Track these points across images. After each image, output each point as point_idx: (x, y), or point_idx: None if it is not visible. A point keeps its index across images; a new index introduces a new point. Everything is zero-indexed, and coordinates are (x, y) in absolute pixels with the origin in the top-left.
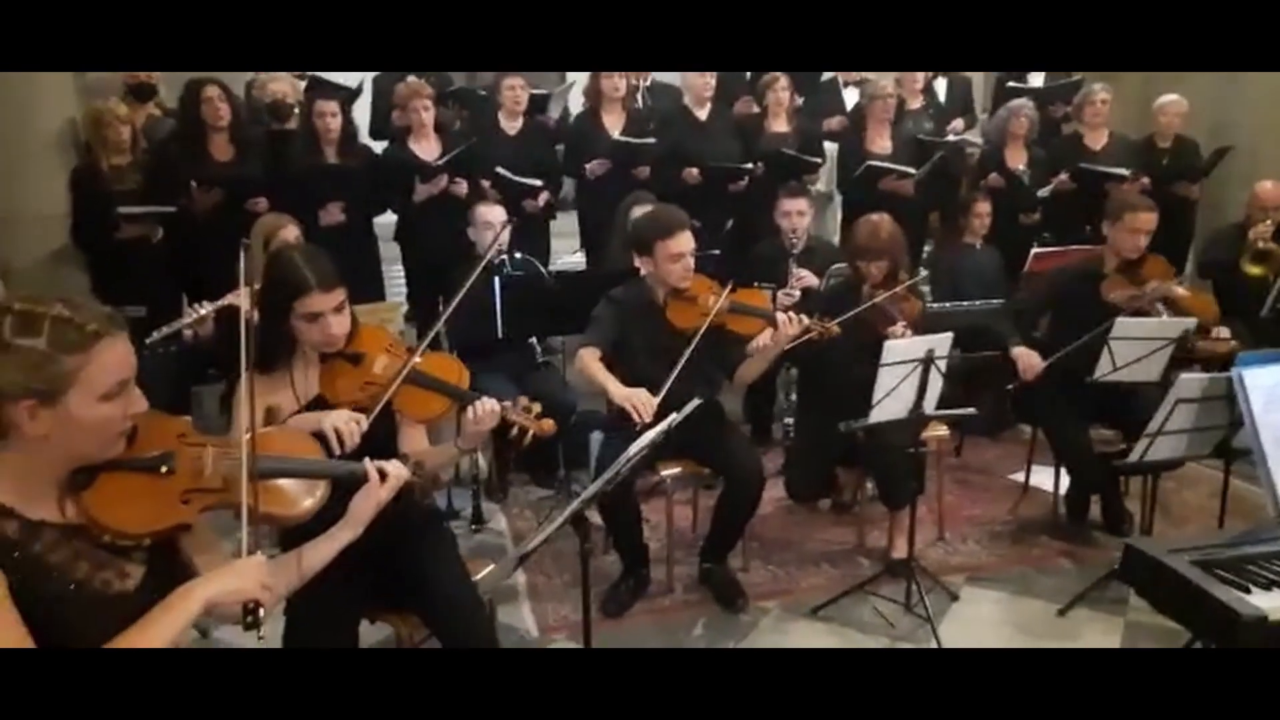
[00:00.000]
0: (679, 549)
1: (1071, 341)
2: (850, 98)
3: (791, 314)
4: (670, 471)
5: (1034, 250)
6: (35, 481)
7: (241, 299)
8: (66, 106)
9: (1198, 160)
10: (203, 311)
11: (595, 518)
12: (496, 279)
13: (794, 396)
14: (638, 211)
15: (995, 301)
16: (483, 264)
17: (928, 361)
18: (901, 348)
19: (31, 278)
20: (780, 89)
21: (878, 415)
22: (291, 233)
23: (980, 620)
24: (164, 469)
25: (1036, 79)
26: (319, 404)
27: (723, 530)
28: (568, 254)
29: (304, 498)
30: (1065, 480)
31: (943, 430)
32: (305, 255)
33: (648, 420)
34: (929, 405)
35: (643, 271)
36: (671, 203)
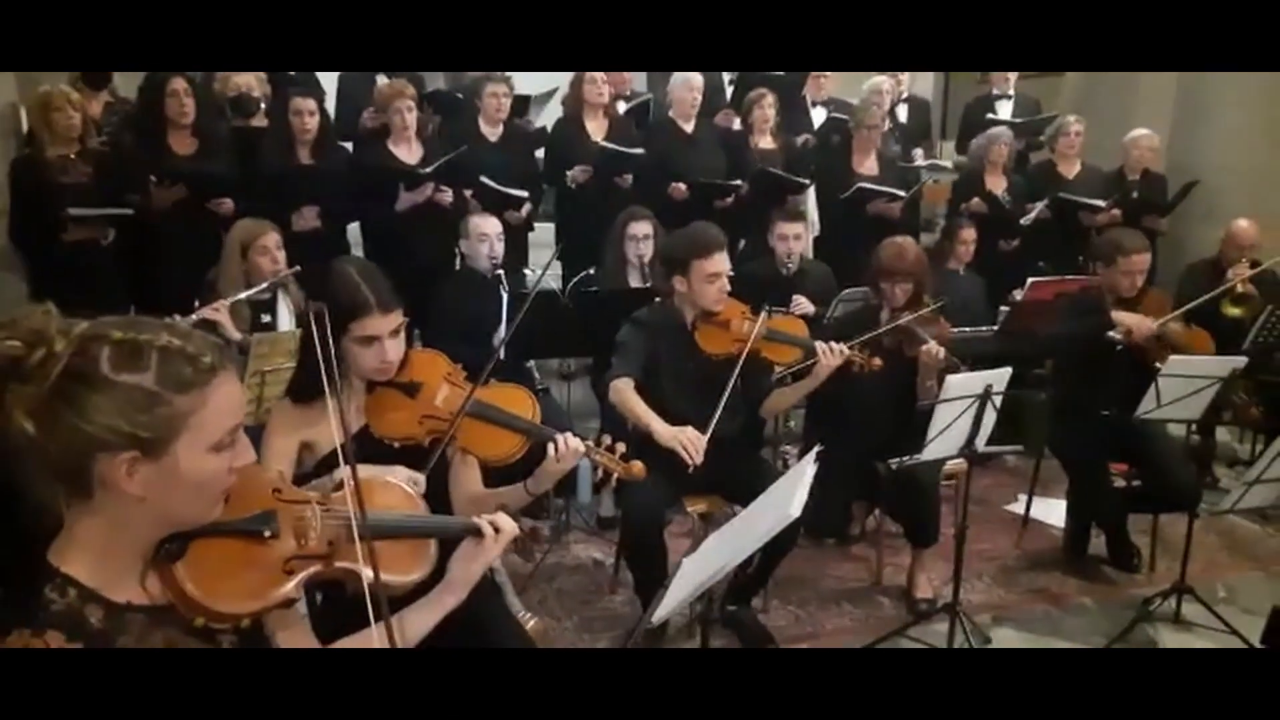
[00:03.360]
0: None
1: (1077, 376)
2: (817, 117)
3: (832, 344)
4: (697, 509)
5: (1031, 280)
6: (119, 554)
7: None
8: (5, 90)
9: (1164, 195)
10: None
11: (597, 553)
12: (504, 295)
13: (791, 423)
14: (635, 228)
15: (984, 329)
16: (533, 291)
17: (985, 397)
18: (960, 383)
19: None
20: (767, 105)
21: (931, 452)
22: (273, 239)
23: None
24: (266, 533)
25: (1005, 110)
26: (366, 439)
27: (752, 572)
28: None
29: (416, 562)
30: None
31: (962, 463)
32: (363, 271)
33: (698, 462)
34: (981, 442)
35: (676, 290)
36: (657, 217)
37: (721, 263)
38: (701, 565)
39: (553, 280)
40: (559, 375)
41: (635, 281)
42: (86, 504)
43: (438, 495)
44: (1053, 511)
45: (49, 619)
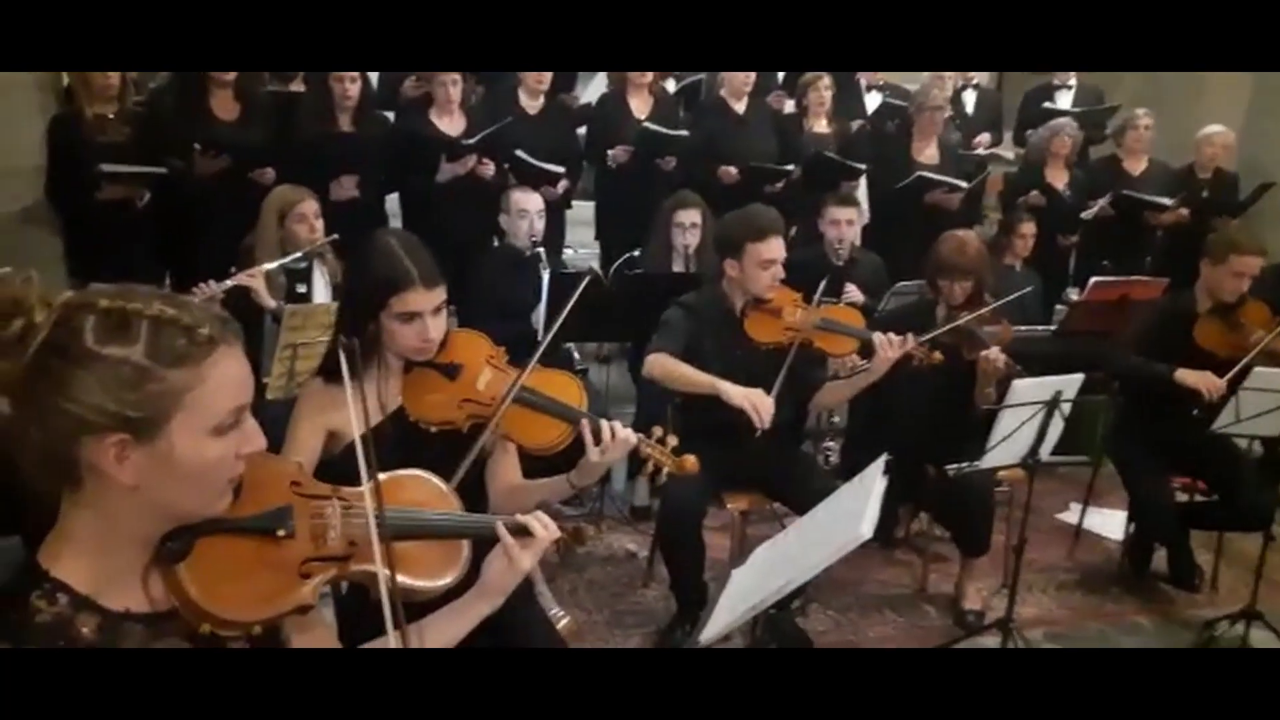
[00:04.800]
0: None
1: (1145, 384)
2: (871, 102)
3: (891, 335)
4: (738, 506)
5: (1094, 280)
6: (116, 552)
7: (354, 419)
8: None
9: (1236, 194)
10: (211, 291)
11: (630, 544)
12: (545, 275)
13: (835, 418)
14: (683, 215)
15: (1039, 329)
16: (583, 284)
17: (1053, 404)
18: (1028, 388)
19: None
20: (823, 88)
21: (993, 460)
22: (311, 207)
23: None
24: (281, 532)
25: (1065, 100)
26: (401, 422)
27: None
28: (581, 246)
29: (445, 566)
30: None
31: (1019, 470)
32: (405, 244)
33: (766, 426)
34: (1045, 451)
35: (726, 274)
36: (704, 200)
37: (777, 248)
38: (755, 582)
39: (592, 261)
40: (596, 358)
41: (679, 269)
42: (77, 495)
43: (473, 485)
44: (1109, 523)
45: (35, 633)
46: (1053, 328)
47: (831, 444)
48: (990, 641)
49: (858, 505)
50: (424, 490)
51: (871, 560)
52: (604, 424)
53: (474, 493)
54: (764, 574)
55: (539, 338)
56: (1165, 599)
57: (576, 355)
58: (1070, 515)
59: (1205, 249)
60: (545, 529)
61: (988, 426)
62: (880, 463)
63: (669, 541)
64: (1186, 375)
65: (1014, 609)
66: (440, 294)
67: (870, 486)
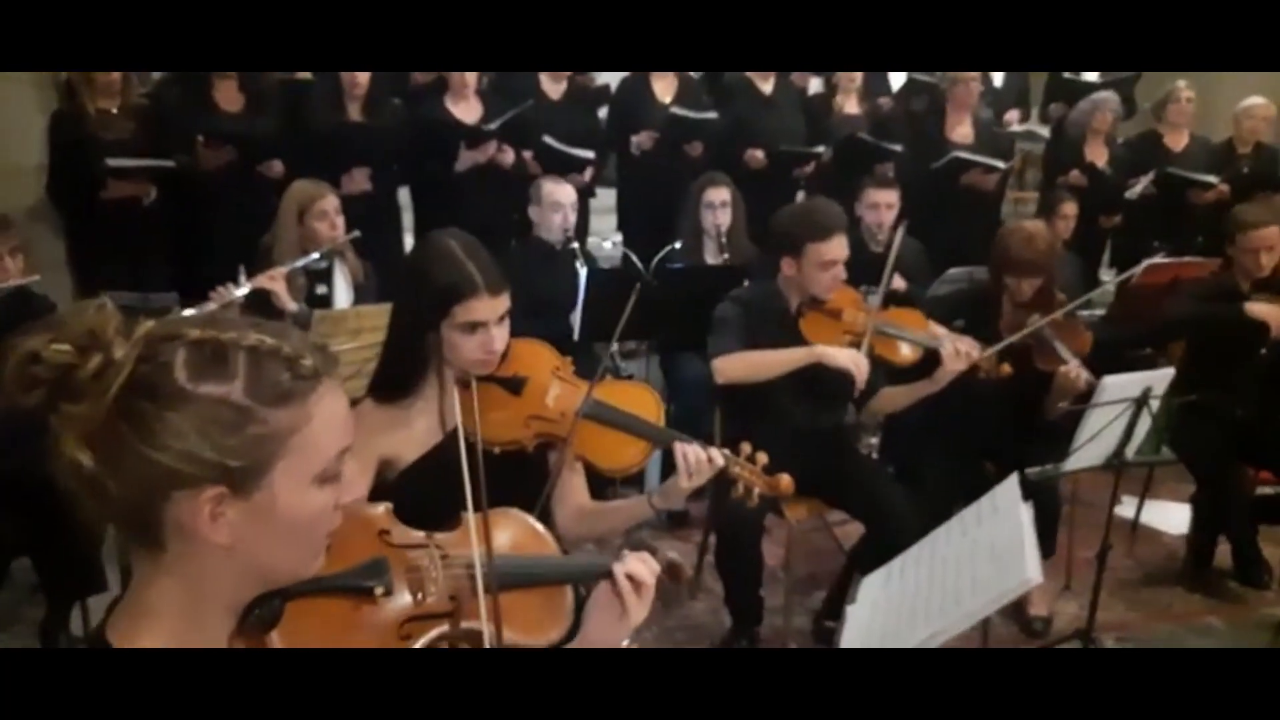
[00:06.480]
0: (774, 591)
1: (1208, 370)
2: (896, 79)
3: (959, 346)
4: (796, 515)
5: (1147, 262)
6: (201, 627)
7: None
8: None
9: (1276, 169)
10: (229, 295)
11: (672, 552)
12: (583, 271)
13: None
14: (712, 194)
15: (1085, 314)
16: (634, 296)
17: (1143, 401)
18: (1117, 385)
19: None
20: None
21: (1077, 462)
22: (331, 203)
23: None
24: (378, 589)
25: (1093, 73)
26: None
27: (852, 585)
28: (603, 237)
29: (553, 618)
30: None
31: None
32: (467, 247)
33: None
34: (1131, 452)
35: (783, 272)
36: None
37: (841, 248)
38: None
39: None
40: (620, 354)
41: (711, 254)
42: (159, 560)
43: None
44: (1169, 517)
45: None
46: (1098, 312)
47: (872, 440)
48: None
49: (1007, 539)
50: (522, 530)
51: None
52: (691, 446)
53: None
54: (894, 617)
55: (573, 338)
56: (1234, 597)
57: (620, 361)
58: (1125, 509)
59: (1225, 232)
60: (651, 570)
61: (1058, 425)
62: (1014, 486)
63: (727, 555)
64: (1256, 307)
65: (1095, 618)
66: (505, 301)
67: (1018, 516)
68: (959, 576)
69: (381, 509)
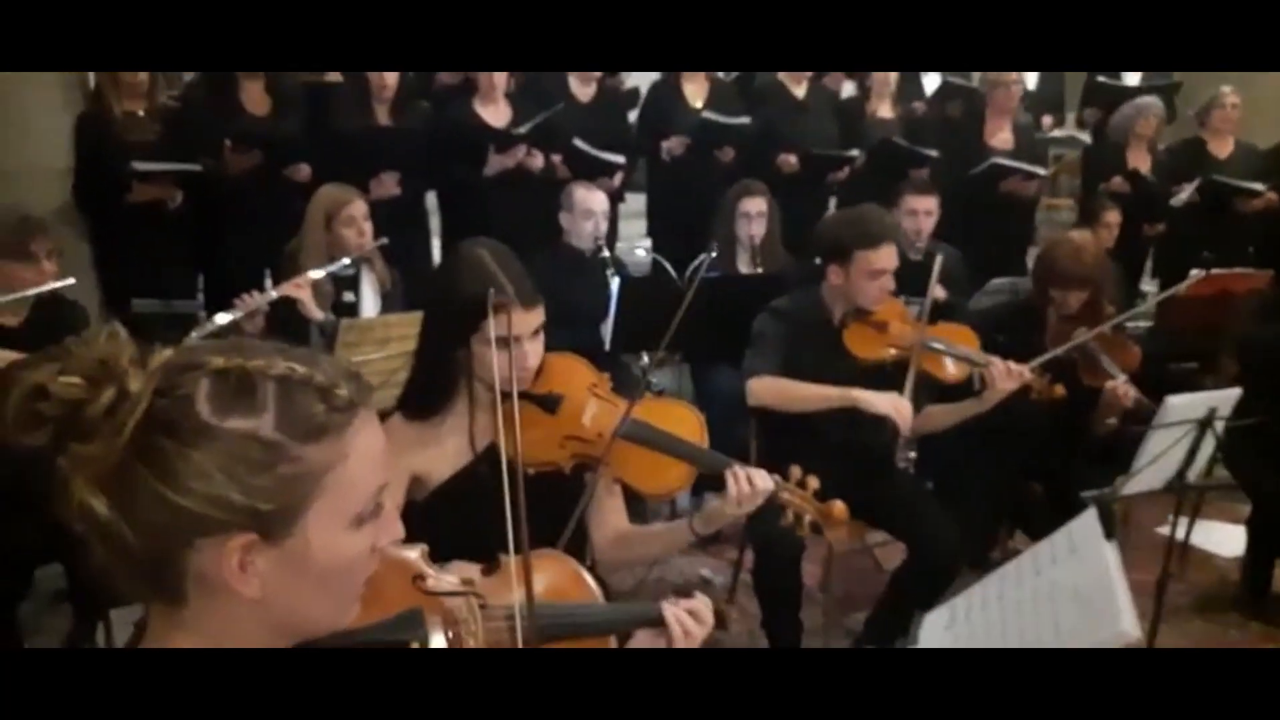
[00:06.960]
0: (810, 612)
1: (1267, 388)
2: (929, 84)
3: (1011, 364)
4: (837, 536)
5: (1194, 272)
6: None
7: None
8: None
9: None
10: (255, 302)
11: (704, 569)
12: (615, 280)
13: None
14: (748, 204)
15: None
16: (683, 309)
17: (1207, 423)
18: (1181, 406)
19: None
20: None
21: (1136, 486)
22: (360, 209)
23: None
24: (415, 645)
25: (1132, 77)
26: (490, 464)
27: (898, 610)
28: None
29: None
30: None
31: None
32: (499, 257)
33: (907, 434)
34: (1193, 474)
35: (829, 281)
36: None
37: (890, 257)
38: None
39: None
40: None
41: (744, 263)
42: (179, 615)
43: (578, 535)
44: (1222, 539)
45: None
46: (1145, 325)
47: (910, 454)
48: None
49: (1093, 584)
50: (564, 575)
51: (964, 585)
52: (736, 467)
53: (571, 544)
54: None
55: (604, 349)
56: None
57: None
58: (1166, 529)
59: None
60: (703, 611)
61: (1104, 443)
62: (1094, 522)
63: (766, 578)
64: None
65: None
66: (539, 314)
67: (1103, 557)
68: (1038, 623)
69: (416, 552)
